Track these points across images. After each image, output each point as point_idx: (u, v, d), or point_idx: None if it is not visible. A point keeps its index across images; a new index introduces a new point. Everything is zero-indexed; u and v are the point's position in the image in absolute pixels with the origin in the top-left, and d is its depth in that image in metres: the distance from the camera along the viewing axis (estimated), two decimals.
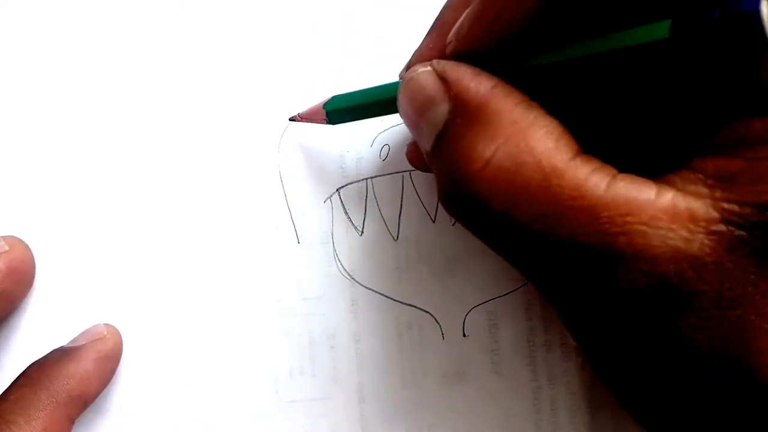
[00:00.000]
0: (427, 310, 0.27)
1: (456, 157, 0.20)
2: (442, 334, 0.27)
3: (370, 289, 0.27)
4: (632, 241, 0.18)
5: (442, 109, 0.20)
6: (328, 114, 0.25)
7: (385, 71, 0.27)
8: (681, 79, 0.19)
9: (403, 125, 0.27)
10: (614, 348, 0.20)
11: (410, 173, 0.27)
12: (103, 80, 0.27)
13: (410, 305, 0.27)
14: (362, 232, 0.27)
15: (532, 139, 0.19)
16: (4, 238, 0.26)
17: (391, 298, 0.27)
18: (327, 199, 0.27)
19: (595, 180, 0.18)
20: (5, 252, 0.25)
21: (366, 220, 0.27)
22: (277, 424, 0.27)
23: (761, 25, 0.16)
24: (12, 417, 0.24)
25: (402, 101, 0.22)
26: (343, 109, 0.25)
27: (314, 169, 0.27)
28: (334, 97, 0.25)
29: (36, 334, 0.26)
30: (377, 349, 0.27)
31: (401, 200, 0.27)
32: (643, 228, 0.18)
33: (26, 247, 0.26)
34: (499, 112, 0.19)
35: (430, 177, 0.27)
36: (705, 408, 0.19)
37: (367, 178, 0.27)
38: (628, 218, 0.18)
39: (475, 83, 0.20)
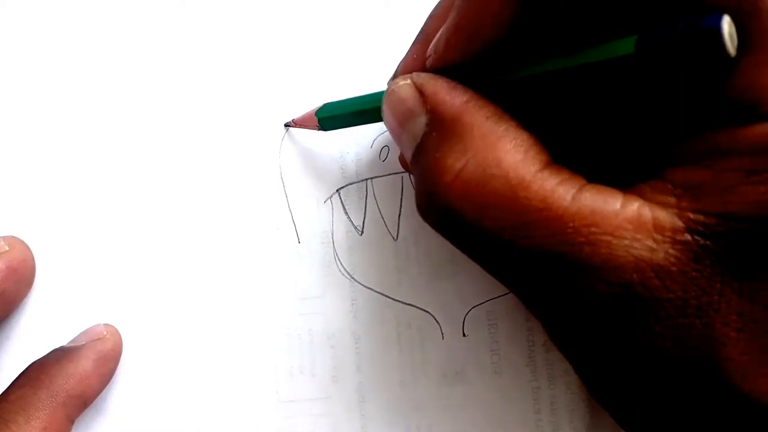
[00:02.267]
0: (427, 309, 0.27)
1: (430, 168, 0.20)
2: (442, 333, 0.27)
3: (369, 288, 0.27)
4: (597, 251, 0.18)
5: (420, 121, 0.21)
6: (320, 121, 0.26)
7: (385, 74, 0.27)
8: (648, 92, 0.19)
9: None
10: (589, 354, 0.20)
11: (410, 174, 0.27)
12: (104, 82, 0.27)
13: (410, 305, 0.27)
14: (362, 232, 0.27)
15: (501, 152, 0.19)
16: (4, 238, 0.26)
17: (391, 298, 0.27)
18: (327, 199, 0.27)
19: (561, 191, 0.19)
20: (5, 252, 0.25)
21: (366, 220, 0.27)
22: (277, 424, 0.27)
23: (722, 41, 0.16)
24: (11, 417, 0.24)
25: (385, 112, 0.23)
26: (334, 117, 0.26)
27: (315, 169, 0.27)
28: (325, 105, 0.26)
29: (36, 334, 0.26)
30: (377, 349, 0.27)
31: (401, 200, 0.27)
32: (608, 238, 0.18)
33: (26, 247, 0.26)
34: (470, 125, 0.20)
35: None
36: (678, 414, 0.19)
37: (367, 179, 0.27)
38: (593, 229, 0.18)
39: (450, 97, 0.20)
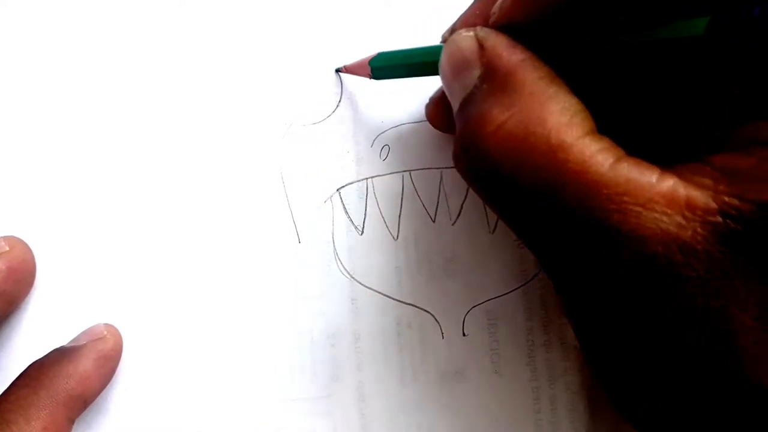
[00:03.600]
0: (427, 309, 0.27)
1: (474, 118, 0.20)
2: (442, 333, 0.27)
3: (370, 288, 0.27)
4: (626, 219, 0.18)
5: (475, 73, 0.21)
6: (372, 70, 0.26)
7: None
8: (707, 76, 0.19)
9: (403, 126, 0.27)
10: (602, 328, 0.20)
11: (410, 173, 0.27)
12: (104, 82, 0.27)
13: (410, 304, 0.27)
14: (362, 231, 0.27)
15: (547, 112, 0.19)
16: (5, 238, 0.26)
17: (391, 298, 0.27)
18: (327, 199, 0.27)
19: (600, 158, 0.19)
20: (6, 252, 0.25)
21: (366, 219, 0.27)
22: (277, 423, 0.27)
23: None
24: (12, 417, 0.23)
25: (442, 60, 0.23)
26: (388, 66, 0.25)
27: (315, 169, 0.27)
28: (380, 54, 0.26)
29: (36, 334, 0.26)
30: (377, 348, 0.27)
31: (401, 200, 0.27)
32: (638, 209, 0.18)
33: (27, 247, 0.26)
34: (522, 83, 0.20)
35: (430, 176, 0.27)
36: (686, 401, 0.19)
37: (367, 178, 0.27)
38: (626, 198, 0.18)
39: (508, 53, 0.21)
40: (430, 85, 0.27)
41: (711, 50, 0.18)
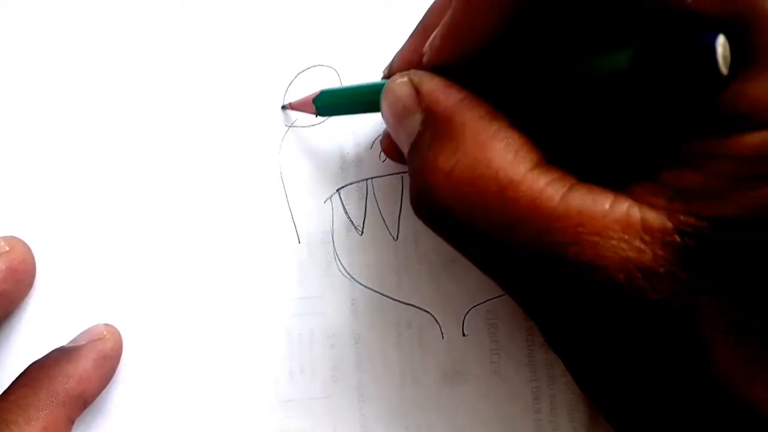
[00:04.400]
0: (427, 309, 0.27)
1: (422, 167, 0.20)
2: (442, 333, 0.27)
3: (369, 288, 0.27)
4: (583, 251, 0.18)
5: (416, 119, 0.21)
6: (317, 108, 0.26)
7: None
8: (643, 102, 0.19)
9: None
10: (581, 354, 0.20)
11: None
12: (103, 81, 0.27)
13: (410, 305, 0.27)
14: (362, 232, 0.27)
15: (491, 152, 0.19)
16: (5, 238, 0.26)
17: (391, 298, 0.27)
18: (327, 199, 0.27)
19: (550, 191, 0.19)
20: (5, 252, 0.25)
21: (366, 220, 0.27)
22: (277, 423, 0.27)
23: (715, 62, 0.17)
24: (12, 417, 0.23)
25: (383, 108, 0.23)
26: (331, 105, 0.26)
27: (315, 169, 0.27)
28: (323, 92, 0.26)
29: (36, 334, 0.26)
30: (377, 349, 0.27)
31: (401, 200, 0.27)
32: (595, 238, 0.18)
33: (27, 247, 0.26)
34: (463, 125, 0.20)
35: None
36: (671, 416, 0.19)
37: (367, 179, 0.27)
38: (580, 228, 0.18)
39: (444, 96, 0.20)
40: None
41: (640, 81, 0.18)
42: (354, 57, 0.27)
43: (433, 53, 0.21)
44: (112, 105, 0.27)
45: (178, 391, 0.27)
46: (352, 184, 0.27)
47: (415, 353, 0.27)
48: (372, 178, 0.27)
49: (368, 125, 0.27)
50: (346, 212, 0.27)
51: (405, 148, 0.22)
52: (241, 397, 0.27)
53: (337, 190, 0.27)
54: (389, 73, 0.24)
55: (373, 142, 0.27)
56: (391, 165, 0.27)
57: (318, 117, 0.27)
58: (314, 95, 0.26)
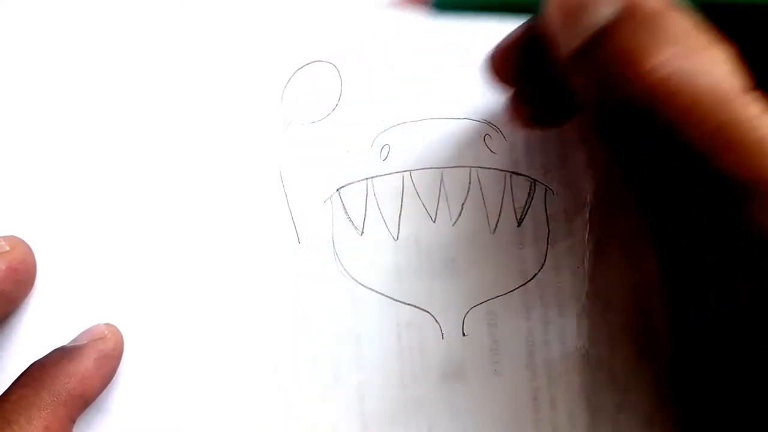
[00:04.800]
0: (427, 309, 0.27)
1: (618, 57, 0.18)
2: (442, 333, 0.27)
3: (369, 288, 0.27)
4: None
5: (608, 8, 0.19)
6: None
7: (388, 73, 0.27)
8: None
9: (404, 125, 0.27)
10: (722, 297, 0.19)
11: (410, 173, 0.27)
12: (102, 81, 0.27)
13: (410, 305, 0.27)
14: (362, 232, 0.27)
15: (708, 59, 0.18)
16: (5, 238, 0.26)
17: (391, 298, 0.27)
18: (327, 199, 0.27)
19: (766, 120, 0.17)
20: (6, 252, 0.25)
21: (366, 219, 0.27)
22: (277, 424, 0.27)
23: None
24: (13, 417, 0.24)
25: None
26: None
27: (314, 169, 0.27)
28: None
29: (36, 334, 0.26)
30: (377, 349, 0.27)
31: (401, 200, 0.27)
32: None
33: (27, 247, 0.26)
34: (675, 22, 0.18)
35: (431, 176, 0.27)
36: None
37: (367, 178, 0.27)
38: None
39: None
40: (431, 86, 0.27)
41: None
42: (354, 52, 0.27)
43: None
44: (112, 105, 0.27)
45: (179, 391, 0.27)
46: (351, 184, 0.27)
47: (414, 353, 0.27)
48: (372, 177, 0.27)
49: (368, 124, 0.27)
50: (346, 212, 0.27)
51: (574, 40, 0.19)
52: (241, 397, 0.27)
53: (337, 190, 0.27)
54: None
55: (373, 141, 0.27)
56: (391, 165, 0.27)
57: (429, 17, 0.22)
58: None
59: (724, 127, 0.17)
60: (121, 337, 0.26)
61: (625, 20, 0.18)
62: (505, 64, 0.23)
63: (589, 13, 0.19)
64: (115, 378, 0.26)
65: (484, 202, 0.27)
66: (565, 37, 0.20)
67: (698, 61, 0.18)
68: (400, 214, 0.27)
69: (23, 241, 0.26)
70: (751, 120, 0.17)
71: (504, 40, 0.23)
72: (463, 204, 0.27)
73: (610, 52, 0.18)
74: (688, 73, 0.17)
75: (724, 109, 0.17)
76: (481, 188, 0.27)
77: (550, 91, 0.23)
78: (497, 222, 0.27)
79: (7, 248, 0.26)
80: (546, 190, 0.28)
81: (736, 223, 0.18)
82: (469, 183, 0.27)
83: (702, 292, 0.21)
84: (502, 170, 0.27)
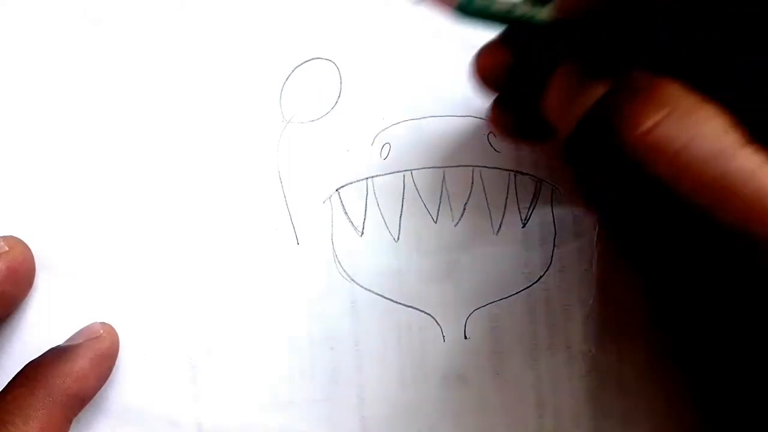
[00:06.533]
0: (428, 311, 0.27)
1: (614, 126, 0.19)
2: (443, 335, 0.27)
3: (370, 290, 0.27)
4: None
5: (598, 88, 0.20)
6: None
7: (388, 69, 0.27)
8: None
9: (404, 123, 0.27)
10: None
11: (411, 172, 0.27)
12: (102, 81, 0.27)
13: (411, 307, 0.27)
14: (362, 232, 0.27)
15: (701, 117, 0.18)
16: (4, 238, 0.26)
17: (392, 300, 0.27)
18: (327, 199, 0.27)
19: (766, 171, 0.17)
20: (5, 252, 0.25)
21: (366, 220, 0.27)
22: (277, 426, 0.27)
23: None
24: (9, 417, 0.24)
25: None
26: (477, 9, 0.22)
27: (313, 169, 0.27)
28: None
29: (36, 334, 0.26)
30: (377, 351, 0.27)
31: (402, 200, 0.27)
32: None
33: (26, 247, 0.26)
34: (665, 88, 0.19)
35: (432, 175, 0.27)
36: None
37: (367, 178, 0.27)
38: None
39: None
40: (432, 83, 0.27)
41: None
42: (353, 49, 0.27)
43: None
44: (111, 106, 0.27)
45: (177, 391, 0.27)
46: (351, 183, 0.27)
47: (415, 356, 0.27)
48: (372, 177, 0.27)
49: (368, 123, 0.27)
50: (345, 212, 0.27)
51: (570, 122, 0.20)
52: (240, 399, 0.27)
53: (337, 190, 0.27)
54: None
55: (374, 140, 0.27)
56: (391, 164, 0.27)
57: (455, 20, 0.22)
58: None
59: (721, 181, 0.18)
60: (117, 336, 0.26)
61: (618, 92, 0.19)
62: (491, 64, 0.23)
63: (582, 97, 0.20)
64: (111, 377, 0.26)
65: (488, 202, 0.27)
66: (561, 120, 0.21)
67: (691, 121, 0.18)
68: (400, 215, 0.27)
69: (22, 242, 0.26)
70: (751, 172, 0.17)
71: (492, 39, 0.23)
72: (465, 204, 0.27)
73: (605, 123, 0.19)
74: (682, 132, 0.18)
75: (720, 164, 0.18)
76: (484, 188, 0.27)
77: (531, 103, 0.23)
78: (501, 223, 0.27)
79: (7, 248, 0.26)
80: (553, 190, 0.27)
81: (737, 270, 0.18)
82: (472, 182, 0.27)
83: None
84: (505, 169, 0.27)
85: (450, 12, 0.21)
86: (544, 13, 0.20)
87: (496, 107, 0.24)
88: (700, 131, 0.18)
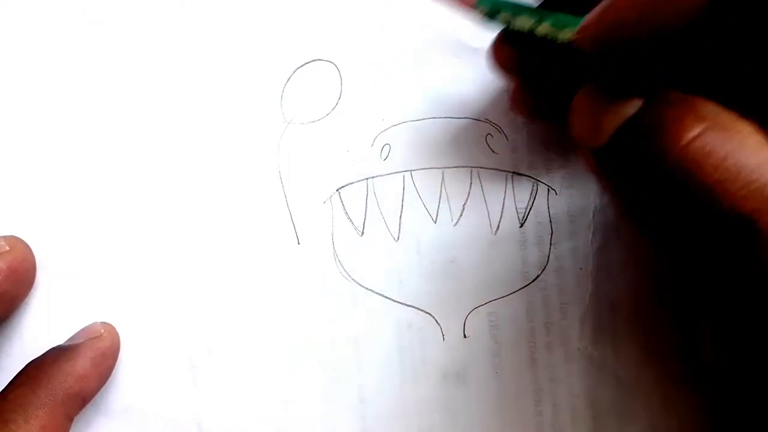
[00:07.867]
0: (428, 311, 0.27)
1: (654, 136, 0.20)
2: (443, 335, 0.27)
3: (370, 290, 0.27)
4: None
5: (631, 107, 0.20)
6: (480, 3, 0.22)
7: (388, 71, 0.27)
8: None
9: (404, 124, 0.27)
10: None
11: (411, 173, 0.27)
12: (102, 81, 0.27)
13: (411, 306, 0.27)
14: (362, 232, 0.27)
15: (740, 131, 0.19)
16: (5, 238, 0.26)
17: (392, 299, 0.27)
18: (327, 199, 0.27)
19: None
20: (5, 252, 0.25)
21: (366, 220, 0.27)
22: (277, 425, 0.27)
23: None
24: (11, 416, 0.24)
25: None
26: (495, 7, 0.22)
27: (314, 169, 0.27)
28: None
29: (37, 334, 0.26)
30: (377, 350, 0.27)
31: (402, 200, 0.27)
32: None
33: (27, 247, 0.26)
34: (700, 101, 0.20)
35: (432, 176, 0.27)
36: None
37: (367, 178, 0.27)
38: None
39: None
40: (432, 85, 0.27)
41: None
42: (354, 51, 0.27)
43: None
44: (111, 105, 0.27)
45: (177, 391, 0.27)
46: (352, 184, 0.27)
47: (415, 355, 0.27)
48: (372, 177, 0.27)
49: (369, 123, 0.27)
50: (346, 212, 0.27)
51: (600, 138, 0.21)
52: (240, 398, 0.27)
53: (337, 190, 0.27)
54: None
55: (374, 141, 0.27)
56: (392, 164, 0.27)
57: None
58: None
59: (764, 190, 0.18)
60: (118, 335, 0.26)
61: (657, 106, 0.20)
62: (509, 51, 0.24)
63: (612, 115, 0.21)
64: (112, 377, 0.26)
65: (486, 203, 0.27)
66: (591, 138, 0.21)
67: (731, 134, 0.19)
68: (400, 215, 0.27)
69: (23, 241, 0.26)
70: None
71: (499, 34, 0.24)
72: (464, 204, 0.27)
73: (645, 135, 0.20)
74: (724, 143, 0.19)
75: (765, 174, 0.18)
76: (482, 188, 0.27)
77: (552, 83, 0.24)
78: (499, 223, 0.27)
79: (7, 248, 0.26)
80: (549, 191, 0.27)
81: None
82: (471, 183, 0.27)
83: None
84: (503, 170, 0.27)
85: (475, 15, 0.22)
86: (567, 34, 0.21)
87: (517, 91, 0.25)
88: (741, 143, 0.19)
